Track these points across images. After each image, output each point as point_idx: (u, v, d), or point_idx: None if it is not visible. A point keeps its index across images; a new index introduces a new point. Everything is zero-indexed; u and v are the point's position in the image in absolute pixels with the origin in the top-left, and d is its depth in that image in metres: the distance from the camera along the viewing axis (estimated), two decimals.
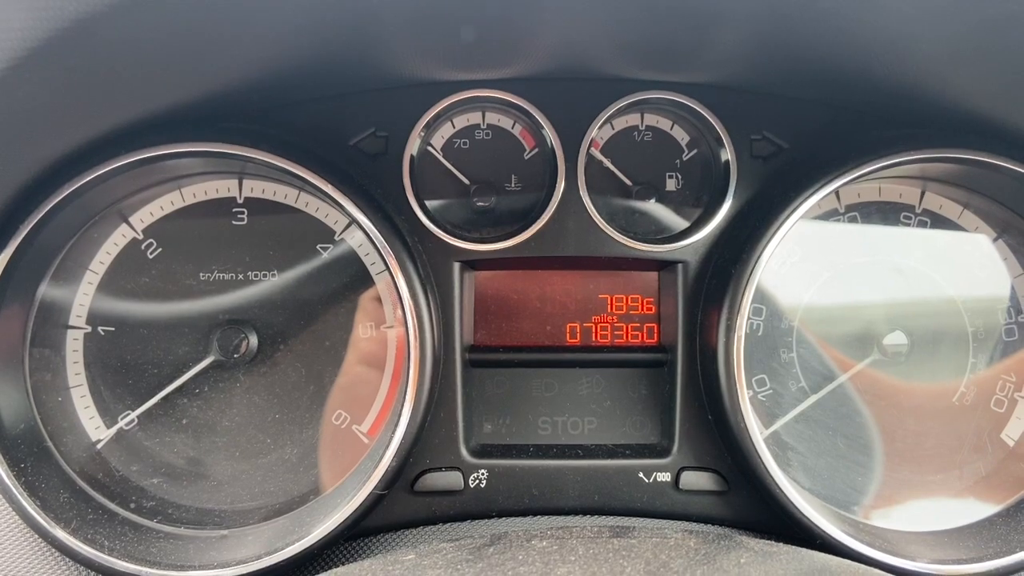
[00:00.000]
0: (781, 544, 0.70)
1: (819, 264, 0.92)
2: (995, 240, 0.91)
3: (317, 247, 0.89)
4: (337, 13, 0.67)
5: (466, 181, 0.90)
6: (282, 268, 0.89)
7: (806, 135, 0.90)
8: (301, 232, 0.89)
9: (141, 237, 0.88)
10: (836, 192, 0.86)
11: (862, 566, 0.66)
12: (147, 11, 0.59)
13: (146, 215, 0.88)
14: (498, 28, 0.75)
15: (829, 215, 0.92)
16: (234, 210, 0.89)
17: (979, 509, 0.87)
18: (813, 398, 0.89)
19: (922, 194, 0.92)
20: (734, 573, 0.58)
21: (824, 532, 0.78)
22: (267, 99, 0.85)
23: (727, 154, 0.88)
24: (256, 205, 0.89)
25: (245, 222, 0.89)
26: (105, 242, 0.88)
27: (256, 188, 0.89)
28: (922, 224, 0.92)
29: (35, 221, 0.78)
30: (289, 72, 0.80)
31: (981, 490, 0.88)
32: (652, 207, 0.92)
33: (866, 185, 0.91)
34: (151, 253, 0.88)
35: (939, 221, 0.92)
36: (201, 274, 0.88)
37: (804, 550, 0.69)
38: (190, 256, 0.88)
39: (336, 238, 0.89)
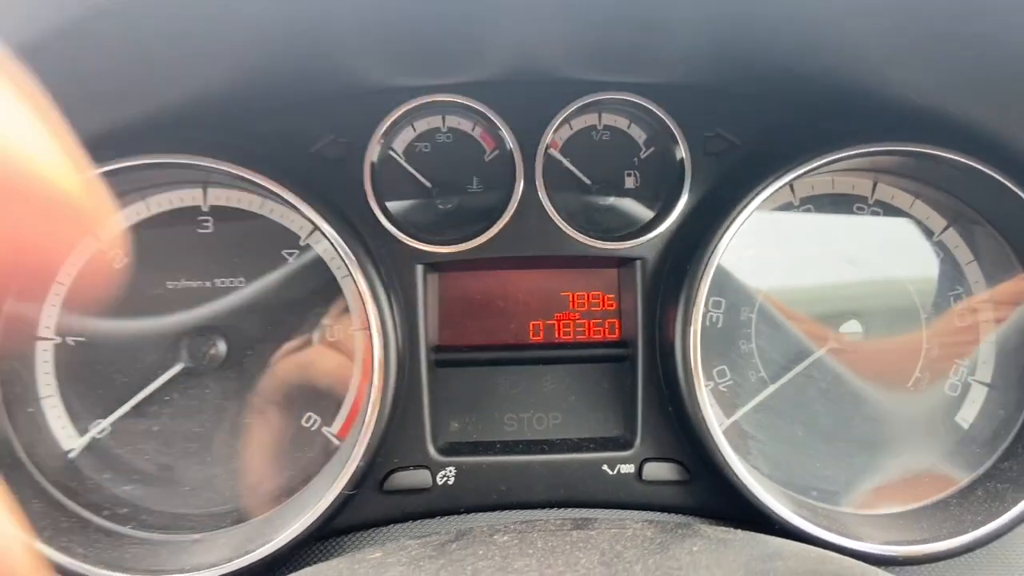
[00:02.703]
0: (737, 531, 0.72)
1: (776, 256, 0.94)
2: (946, 228, 0.94)
3: (283, 253, 0.90)
4: (297, 24, 0.69)
5: (428, 184, 0.92)
6: (249, 275, 0.90)
7: (759, 131, 0.92)
8: (267, 238, 0.90)
9: (106, 248, 0.89)
10: (791, 185, 0.89)
11: (815, 548, 0.68)
12: (112, 27, 0.60)
13: (111, 226, 0.89)
14: (454, 35, 0.77)
15: (785, 208, 0.94)
16: (199, 218, 0.90)
17: (934, 491, 0.89)
18: (771, 388, 0.91)
19: (874, 185, 0.95)
20: (685, 561, 0.60)
21: (781, 517, 0.81)
22: (228, 109, 0.86)
23: (681, 152, 0.90)
24: (221, 213, 0.90)
25: (211, 230, 0.90)
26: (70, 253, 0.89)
27: (221, 196, 0.90)
28: (875, 215, 0.95)
29: None
30: (250, 83, 0.82)
31: (936, 473, 0.91)
32: (611, 205, 0.94)
33: (819, 178, 0.93)
34: (117, 263, 0.89)
35: (891, 211, 0.95)
36: (168, 283, 0.89)
37: (760, 535, 0.71)
38: (157, 265, 0.89)
39: (301, 243, 0.90)
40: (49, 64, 0.62)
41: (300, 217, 0.86)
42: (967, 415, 0.93)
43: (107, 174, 0.79)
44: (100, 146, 0.79)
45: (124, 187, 0.86)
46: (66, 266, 0.90)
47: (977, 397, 0.93)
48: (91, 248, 0.95)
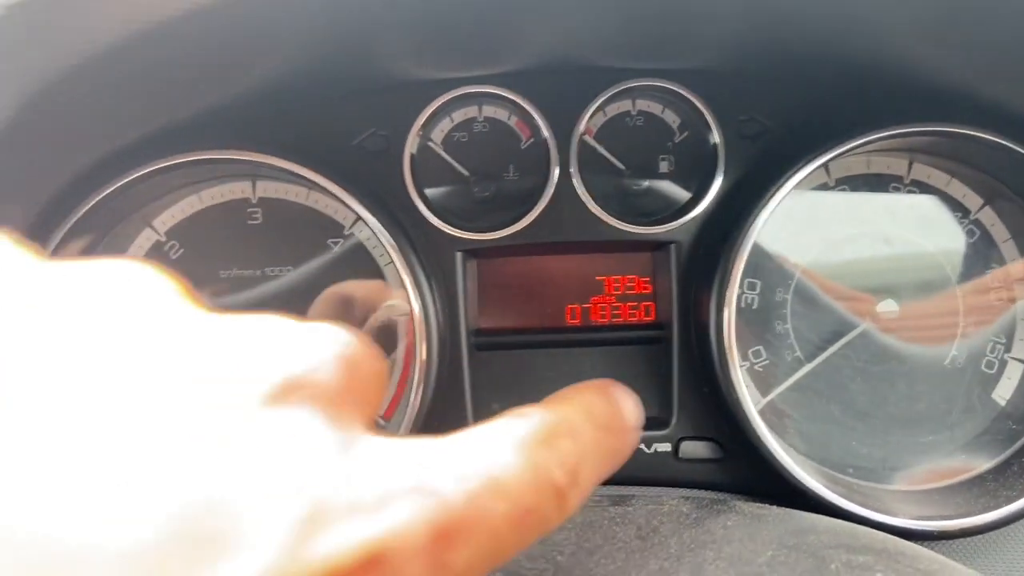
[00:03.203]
0: (772, 507, 0.73)
1: (811, 236, 0.95)
2: (983, 207, 0.94)
3: (328, 242, 0.94)
4: (342, 23, 0.72)
5: (465, 173, 0.94)
6: (296, 263, 0.94)
7: (793, 114, 0.92)
8: (313, 228, 0.94)
9: (164, 239, 0.94)
10: (826, 166, 0.89)
11: (848, 523, 0.70)
12: (173, 32, 0.64)
13: (168, 218, 0.94)
14: (492, 27, 0.79)
15: (820, 188, 0.95)
16: (249, 210, 0.94)
17: (970, 467, 0.90)
18: (807, 367, 0.92)
19: (910, 165, 0.95)
20: (719, 535, 0.62)
21: (816, 494, 0.82)
22: (274, 106, 0.89)
23: (715, 136, 0.92)
24: (269, 205, 0.94)
25: (260, 221, 0.94)
26: (131, 246, 0.93)
27: (269, 189, 0.94)
28: (911, 194, 0.95)
29: (66, 230, 0.84)
30: (295, 81, 0.85)
31: (972, 449, 0.92)
32: (646, 190, 0.95)
33: (854, 159, 0.94)
34: (174, 254, 0.94)
35: (928, 190, 0.95)
36: (221, 272, 0.93)
37: (794, 511, 0.72)
38: (210, 255, 0.94)
39: (345, 232, 0.94)
40: (113, 69, 0.66)
41: (344, 208, 0.90)
42: (1004, 392, 0.93)
43: (164, 169, 0.83)
44: (157, 143, 0.84)
45: (178, 182, 0.91)
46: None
47: (1013, 374, 0.93)
48: (150, 240, 1.00)
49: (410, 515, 0.29)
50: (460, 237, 0.91)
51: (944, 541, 0.84)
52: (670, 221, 0.92)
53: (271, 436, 0.28)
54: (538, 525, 0.35)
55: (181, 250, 0.94)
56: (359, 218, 0.86)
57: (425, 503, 0.29)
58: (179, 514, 0.25)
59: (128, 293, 0.32)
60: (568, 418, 0.41)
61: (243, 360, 0.30)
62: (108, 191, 0.83)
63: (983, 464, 0.90)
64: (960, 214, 0.94)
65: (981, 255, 0.94)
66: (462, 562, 0.30)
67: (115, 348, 0.29)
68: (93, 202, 0.83)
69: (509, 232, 0.91)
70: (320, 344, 0.33)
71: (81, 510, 0.24)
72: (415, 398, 0.85)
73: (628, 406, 0.49)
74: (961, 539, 0.85)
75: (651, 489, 0.91)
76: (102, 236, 0.91)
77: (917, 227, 0.94)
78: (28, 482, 0.24)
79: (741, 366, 0.87)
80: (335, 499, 0.28)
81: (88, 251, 0.90)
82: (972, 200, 0.94)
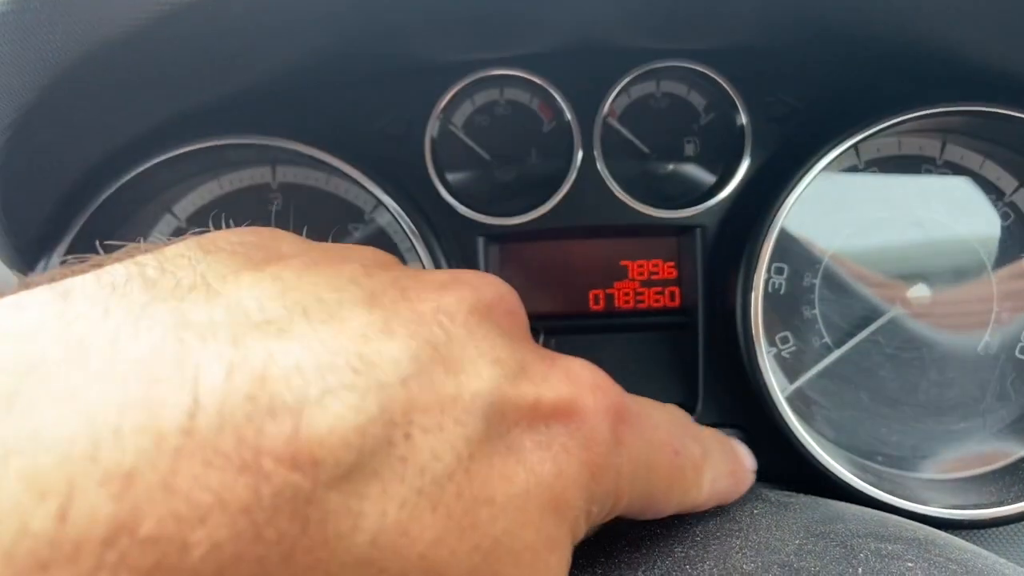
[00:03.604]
0: (799, 495, 0.72)
1: (840, 220, 0.93)
2: (1017, 189, 0.91)
3: (349, 227, 0.94)
4: (360, 6, 0.71)
5: (487, 157, 0.93)
6: None
7: (821, 94, 0.90)
8: (333, 214, 0.93)
9: (185, 225, 0.94)
10: (856, 148, 0.87)
11: (877, 512, 0.69)
12: (194, 16, 0.63)
13: (188, 204, 0.94)
14: (515, 8, 0.78)
15: (849, 170, 0.93)
16: (270, 195, 0.94)
17: (1003, 455, 0.88)
18: (836, 354, 0.91)
19: (943, 146, 0.93)
20: (746, 523, 0.61)
21: (845, 482, 0.81)
22: (293, 91, 0.89)
23: (742, 118, 0.90)
24: (289, 190, 0.94)
25: (280, 207, 0.94)
26: (151, 231, 0.94)
27: (289, 174, 0.94)
28: (943, 175, 0.93)
29: (87, 216, 0.84)
30: (315, 65, 0.84)
31: (1005, 437, 0.90)
32: (671, 173, 0.94)
33: (885, 140, 0.92)
34: None
35: (960, 172, 0.93)
36: None
37: (822, 499, 0.71)
38: None
39: (366, 218, 0.93)
40: (135, 54, 0.66)
41: (364, 193, 0.89)
42: None
43: (184, 156, 0.83)
44: (176, 130, 0.83)
45: (198, 168, 0.90)
46: (149, 243, 0.95)
47: None
48: (171, 226, 1.00)
49: (594, 385, 0.46)
50: (482, 222, 0.90)
51: (976, 530, 0.82)
52: (695, 205, 0.90)
53: (483, 326, 0.43)
54: (686, 468, 0.53)
55: None
56: (379, 203, 0.86)
57: (605, 393, 0.46)
58: (427, 346, 0.39)
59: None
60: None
61: (453, 283, 0.45)
62: (129, 177, 0.83)
63: (1016, 452, 0.88)
64: (994, 196, 0.92)
65: (1016, 239, 0.91)
66: (630, 440, 0.46)
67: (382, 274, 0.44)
68: (114, 188, 0.83)
69: (531, 216, 0.90)
70: (500, 284, 0.49)
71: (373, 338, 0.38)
72: None
73: (743, 452, 0.67)
74: (993, 528, 0.83)
75: None
76: (123, 222, 0.91)
77: (950, 210, 0.92)
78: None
79: (768, 352, 0.85)
80: (537, 364, 0.44)
81: (109, 237, 0.90)
82: (1007, 182, 0.92)
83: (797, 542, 0.57)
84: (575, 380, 0.45)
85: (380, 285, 0.43)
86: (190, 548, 0.27)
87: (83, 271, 0.37)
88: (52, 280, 0.36)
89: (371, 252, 0.49)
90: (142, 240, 0.43)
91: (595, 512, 0.44)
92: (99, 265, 0.38)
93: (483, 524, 0.37)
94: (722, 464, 0.59)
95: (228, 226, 0.53)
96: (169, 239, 0.47)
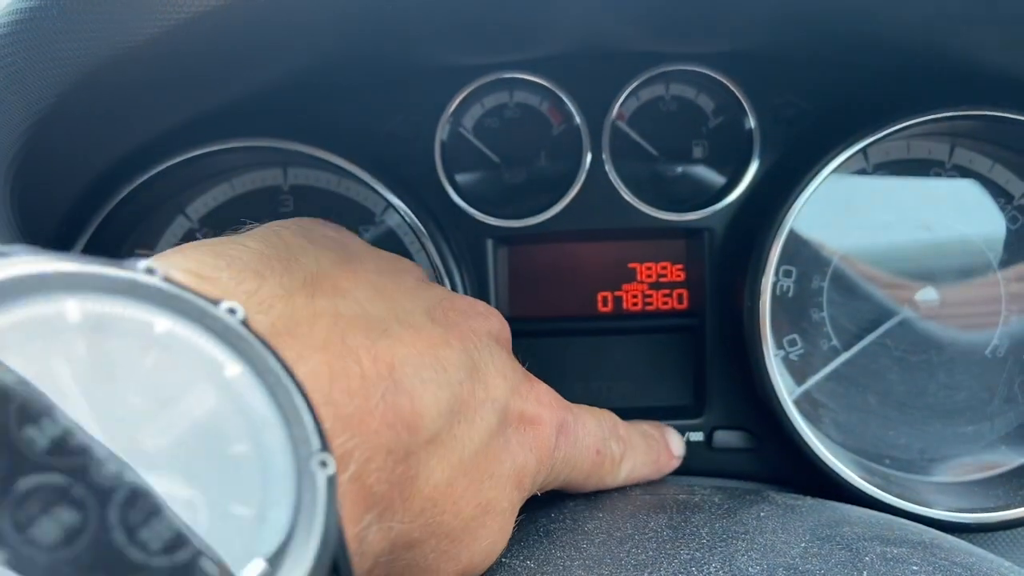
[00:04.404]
0: (806, 498, 0.73)
1: (849, 223, 0.93)
2: None
3: (359, 228, 0.94)
4: (372, 10, 0.71)
5: (496, 159, 0.94)
6: None
7: (830, 97, 0.90)
8: (344, 215, 0.94)
9: (197, 227, 0.94)
10: (864, 151, 0.87)
11: (883, 514, 0.69)
12: (209, 23, 0.64)
13: (201, 206, 0.95)
14: (524, 11, 0.78)
15: (858, 174, 0.93)
16: (280, 198, 0.95)
17: (1011, 459, 0.88)
18: (843, 357, 0.91)
19: (951, 149, 0.92)
20: (752, 525, 0.62)
21: (852, 484, 0.81)
22: (305, 94, 0.90)
23: (750, 121, 0.90)
24: (301, 192, 0.95)
25: (291, 208, 0.95)
26: (165, 233, 0.94)
27: (300, 176, 0.94)
28: (952, 179, 0.93)
29: (103, 216, 0.85)
30: (326, 67, 0.85)
31: (1013, 440, 0.90)
32: (679, 175, 0.94)
33: (894, 143, 0.92)
34: None
35: (969, 175, 0.93)
36: None
37: (828, 502, 0.71)
38: None
39: (376, 220, 0.94)
40: (150, 62, 0.67)
41: (374, 195, 0.90)
42: None
43: (197, 158, 0.84)
44: (190, 132, 0.84)
45: (211, 170, 0.91)
46: (160, 245, 0.95)
47: None
48: (184, 228, 1.01)
49: (551, 406, 0.64)
50: (491, 224, 0.91)
51: (983, 534, 0.82)
52: (704, 207, 0.91)
53: (497, 350, 0.61)
54: (604, 463, 0.70)
55: (213, 237, 0.94)
56: (389, 205, 0.86)
57: (556, 412, 0.64)
58: (469, 359, 0.56)
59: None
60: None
61: (473, 311, 0.62)
62: (142, 180, 0.84)
63: None
64: (1003, 200, 0.92)
65: None
66: (564, 445, 0.64)
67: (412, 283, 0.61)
68: (128, 190, 0.84)
69: (541, 219, 0.90)
70: (500, 316, 0.67)
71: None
72: None
73: (672, 442, 0.82)
74: (1000, 532, 0.83)
75: (683, 478, 0.90)
76: (136, 224, 0.92)
77: (958, 213, 0.92)
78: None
79: (776, 355, 0.86)
80: (524, 384, 0.63)
81: (122, 239, 0.91)
82: (1015, 185, 0.92)
83: (803, 545, 0.58)
84: (542, 401, 0.63)
85: (431, 301, 0.59)
86: (350, 460, 0.43)
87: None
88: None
89: (392, 260, 0.65)
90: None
91: (534, 488, 0.62)
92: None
93: (485, 489, 0.54)
94: (643, 455, 0.75)
95: (236, 230, 0.57)
96: (250, 224, 0.62)
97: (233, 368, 0.33)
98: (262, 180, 0.95)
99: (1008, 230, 0.92)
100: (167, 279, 0.34)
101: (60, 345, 0.30)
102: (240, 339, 0.34)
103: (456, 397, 0.51)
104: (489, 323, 0.63)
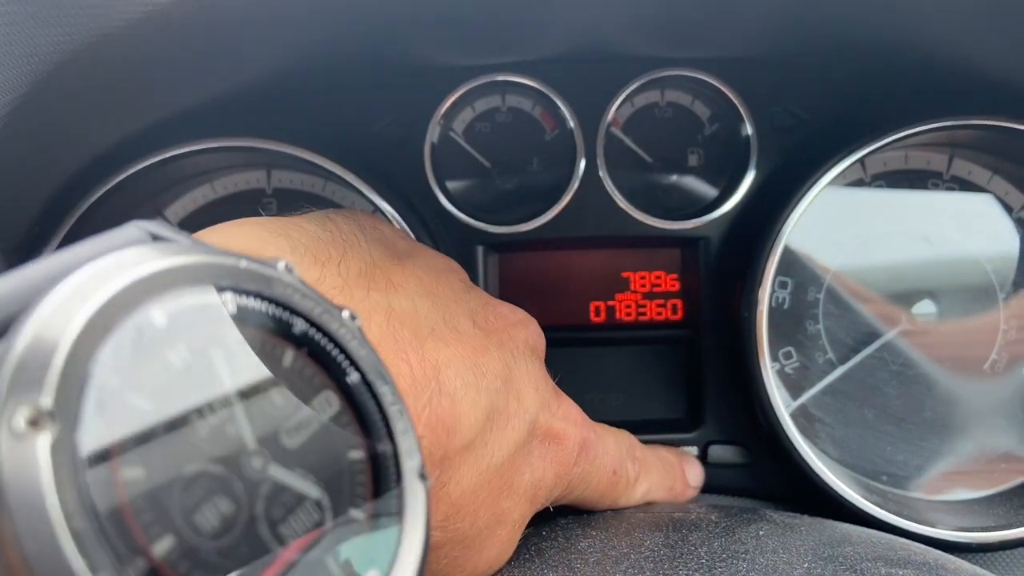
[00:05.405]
0: (804, 516, 0.71)
1: (846, 234, 0.91)
2: None
3: None
4: (360, 7, 0.69)
5: (488, 164, 0.92)
6: None
7: (828, 106, 0.89)
8: None
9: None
10: (862, 162, 0.86)
11: (884, 534, 0.67)
12: (188, 15, 0.61)
13: (180, 208, 0.92)
14: (517, 12, 0.76)
15: (855, 184, 0.91)
16: (264, 200, 0.92)
17: (1010, 477, 0.86)
18: (840, 370, 0.89)
19: (950, 160, 0.91)
20: (751, 545, 0.60)
21: (850, 502, 0.79)
22: (290, 93, 0.87)
23: (747, 128, 0.88)
24: (285, 195, 0.92)
25: (275, 212, 0.92)
26: None
27: (284, 179, 0.92)
28: (950, 190, 0.91)
29: (76, 217, 0.82)
30: (312, 66, 0.83)
31: (1013, 457, 0.88)
32: (674, 183, 0.92)
33: (892, 154, 0.90)
34: None
35: (968, 187, 0.91)
36: None
37: (827, 521, 0.70)
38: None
39: None
40: (124, 52, 0.64)
41: (361, 198, 0.87)
42: None
43: (176, 158, 0.81)
44: (169, 131, 0.81)
45: (191, 171, 0.88)
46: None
47: None
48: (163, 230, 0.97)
49: (576, 423, 0.64)
50: (482, 230, 0.88)
51: (984, 553, 0.81)
52: (699, 216, 0.89)
53: (532, 361, 0.63)
54: (619, 484, 0.69)
55: None
56: (377, 209, 0.84)
57: (580, 429, 0.64)
58: (505, 367, 0.55)
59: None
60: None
61: (513, 318, 0.63)
62: (118, 180, 0.81)
63: None
64: (1002, 211, 0.91)
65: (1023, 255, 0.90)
66: (583, 463, 0.63)
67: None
68: (103, 191, 0.81)
69: (532, 226, 0.88)
70: (537, 325, 0.67)
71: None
72: None
73: (691, 471, 0.81)
74: (1002, 551, 0.81)
75: None
76: (112, 226, 0.88)
77: (957, 226, 0.91)
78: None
79: (771, 367, 0.83)
80: (554, 399, 0.63)
81: None
82: (1015, 197, 0.90)
83: (805, 565, 0.56)
84: (568, 418, 0.63)
85: (473, 305, 0.59)
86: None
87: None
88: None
89: (439, 259, 0.65)
90: None
91: (547, 502, 0.62)
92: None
93: (502, 500, 0.54)
94: (658, 479, 0.74)
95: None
96: (307, 207, 0.61)
97: (353, 375, 0.35)
98: (245, 182, 0.92)
99: (1007, 243, 0.90)
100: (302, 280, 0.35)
101: (218, 334, 0.31)
102: (362, 346, 0.36)
103: (493, 405, 0.52)
104: (527, 332, 0.63)
